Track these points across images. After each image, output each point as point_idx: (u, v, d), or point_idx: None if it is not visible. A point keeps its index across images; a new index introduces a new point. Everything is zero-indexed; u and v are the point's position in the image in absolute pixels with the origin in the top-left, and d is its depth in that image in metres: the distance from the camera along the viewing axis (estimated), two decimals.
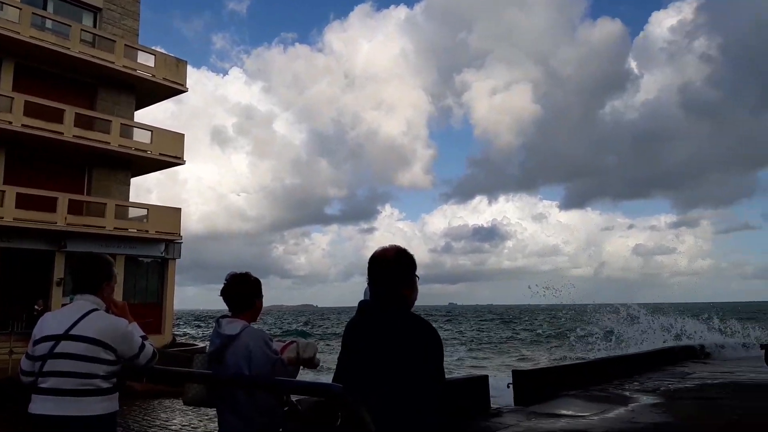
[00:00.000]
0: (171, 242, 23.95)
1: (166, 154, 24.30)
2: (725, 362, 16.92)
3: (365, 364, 2.43)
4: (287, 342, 3.30)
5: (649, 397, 10.43)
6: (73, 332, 2.95)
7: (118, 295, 3.53)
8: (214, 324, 3.20)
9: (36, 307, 19.98)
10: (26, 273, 20.79)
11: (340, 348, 2.64)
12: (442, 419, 2.38)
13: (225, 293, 3.21)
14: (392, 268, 2.50)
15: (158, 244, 23.66)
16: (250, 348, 3.00)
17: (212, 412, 11.18)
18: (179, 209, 24.57)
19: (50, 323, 3.05)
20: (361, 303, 2.56)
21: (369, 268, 2.53)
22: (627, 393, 11.02)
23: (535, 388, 11.16)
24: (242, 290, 3.21)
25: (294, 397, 3.30)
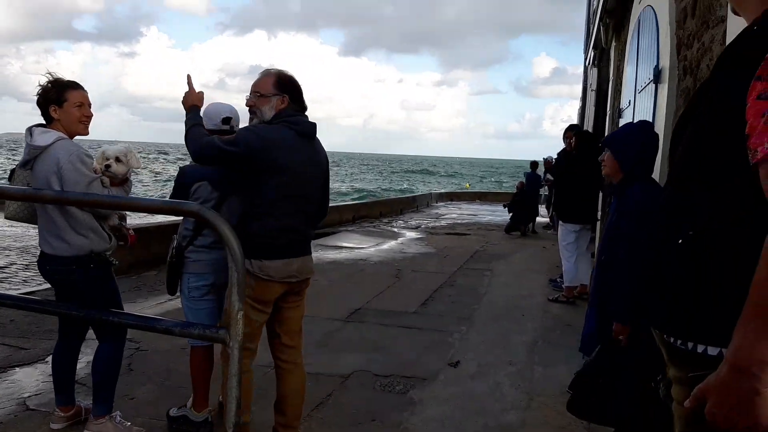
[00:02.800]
0: None
1: None
2: (470, 206, 19.90)
3: (304, 180, 2.67)
4: None
5: (413, 233, 11.96)
6: None
7: None
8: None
9: None
10: None
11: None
12: None
13: (37, 101, 2.77)
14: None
15: None
16: (60, 163, 2.66)
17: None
18: None
19: None
20: (300, 122, 2.66)
21: (299, 89, 2.73)
22: (395, 229, 12.48)
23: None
24: (38, 99, 2.78)
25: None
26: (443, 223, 14.31)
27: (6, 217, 2.98)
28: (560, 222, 6.51)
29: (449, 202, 21.20)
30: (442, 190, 27.18)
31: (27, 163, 2.74)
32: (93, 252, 2.80)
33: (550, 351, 4.65)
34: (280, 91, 2.68)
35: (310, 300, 5.66)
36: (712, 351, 1.19)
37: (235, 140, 2.55)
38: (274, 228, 2.63)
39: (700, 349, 1.21)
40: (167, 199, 2.97)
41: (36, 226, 2.87)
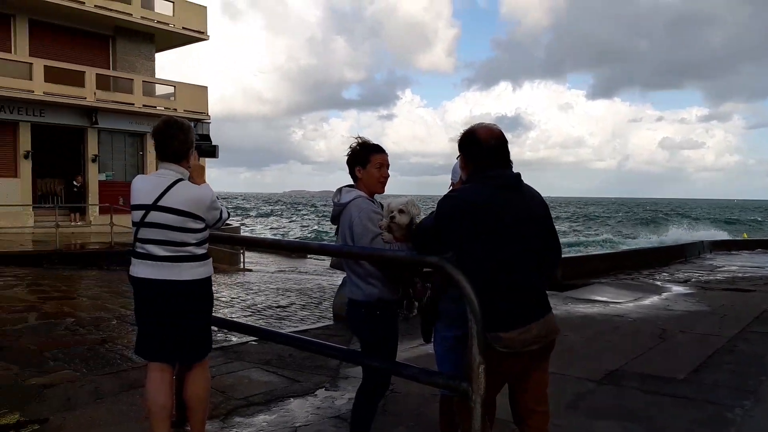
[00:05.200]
0: (199, 122, 23.84)
1: (189, 28, 23.57)
2: (753, 257, 17.05)
3: (514, 234, 2.49)
4: None
5: (680, 287, 10.64)
6: (161, 203, 3.00)
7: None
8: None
9: (75, 183, 20.45)
10: (60, 148, 21.03)
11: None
12: None
13: (347, 161, 3.19)
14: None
15: None
16: (352, 218, 2.99)
17: (255, 287, 11.62)
18: (206, 87, 24.16)
19: (140, 191, 3.09)
20: (497, 175, 2.53)
21: (499, 145, 2.60)
22: (658, 283, 11.25)
23: (566, 275, 11.42)
24: (347, 159, 3.17)
25: None
26: (719, 276, 12.47)
27: (330, 266, 3.50)
28: None
29: (726, 252, 18.45)
30: (717, 238, 23.84)
31: (334, 219, 3.16)
32: (381, 300, 3.00)
33: None
34: (459, 150, 2.68)
35: (558, 356, 5.37)
36: None
37: (436, 211, 2.62)
38: (497, 293, 2.46)
39: None
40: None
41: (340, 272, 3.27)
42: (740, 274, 12.69)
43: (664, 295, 9.71)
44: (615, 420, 4.04)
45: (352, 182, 3.20)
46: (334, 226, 3.21)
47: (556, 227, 2.75)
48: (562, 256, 11.65)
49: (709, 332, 6.80)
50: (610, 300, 9.14)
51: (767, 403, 4.42)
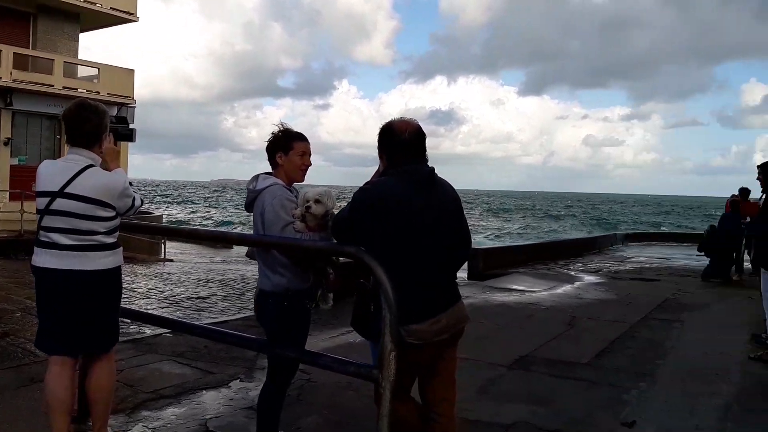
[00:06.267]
0: (123, 106, 22.76)
1: (117, 8, 22.43)
2: (662, 249, 18.18)
3: (425, 229, 2.54)
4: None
5: (592, 277, 11.23)
6: (67, 190, 2.87)
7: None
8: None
9: None
10: None
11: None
12: None
13: (267, 147, 3.09)
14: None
15: (110, 108, 22.34)
16: (264, 205, 2.92)
17: (175, 277, 11.24)
18: (132, 71, 23.03)
19: (45, 177, 2.94)
20: (411, 170, 2.55)
21: (417, 139, 2.63)
22: (572, 272, 11.82)
23: (487, 265, 11.80)
24: (267, 145, 3.08)
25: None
26: (628, 266, 13.24)
27: (246, 255, 3.42)
28: (762, 270, 5.68)
29: (637, 244, 19.58)
30: (629, 231, 25.23)
31: (248, 206, 3.06)
32: (289, 290, 2.93)
33: (747, 418, 4.03)
34: (378, 142, 2.71)
35: (473, 343, 5.58)
36: None
37: (351, 202, 2.61)
38: (407, 286, 2.48)
39: None
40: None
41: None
42: (647, 265, 13.52)
43: (577, 284, 10.22)
44: (522, 403, 4.23)
45: (270, 170, 3.15)
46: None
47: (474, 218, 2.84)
48: (484, 247, 12.05)
49: (614, 319, 7.24)
50: (526, 289, 9.53)
51: (660, 384, 4.76)
